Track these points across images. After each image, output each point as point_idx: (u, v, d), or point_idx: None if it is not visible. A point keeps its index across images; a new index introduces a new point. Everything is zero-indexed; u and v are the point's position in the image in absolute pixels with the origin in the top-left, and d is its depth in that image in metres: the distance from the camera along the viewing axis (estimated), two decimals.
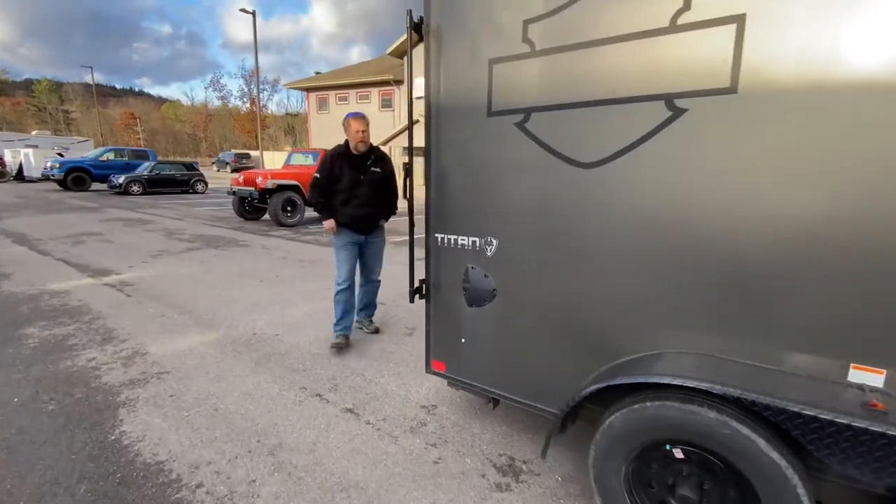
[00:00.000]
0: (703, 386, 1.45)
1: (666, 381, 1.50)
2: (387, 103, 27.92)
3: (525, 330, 2.07)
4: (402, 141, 24.57)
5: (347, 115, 3.18)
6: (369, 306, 3.75)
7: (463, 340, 2.30)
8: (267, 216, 10.42)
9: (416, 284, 2.44)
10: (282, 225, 9.81)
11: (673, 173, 1.61)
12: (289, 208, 9.98)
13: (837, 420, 1.24)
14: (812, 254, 1.39)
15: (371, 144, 3.25)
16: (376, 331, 3.76)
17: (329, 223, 3.26)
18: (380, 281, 3.69)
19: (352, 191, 3.23)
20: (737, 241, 1.51)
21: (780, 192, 1.42)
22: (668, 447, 1.59)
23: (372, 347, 3.44)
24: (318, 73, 34.18)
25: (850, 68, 1.29)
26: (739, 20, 1.42)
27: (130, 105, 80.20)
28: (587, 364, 1.91)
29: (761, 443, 1.34)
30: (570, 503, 1.92)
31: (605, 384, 1.64)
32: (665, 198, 1.63)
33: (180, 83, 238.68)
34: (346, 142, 3.23)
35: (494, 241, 2.10)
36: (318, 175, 3.25)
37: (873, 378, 1.37)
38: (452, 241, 2.24)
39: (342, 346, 3.35)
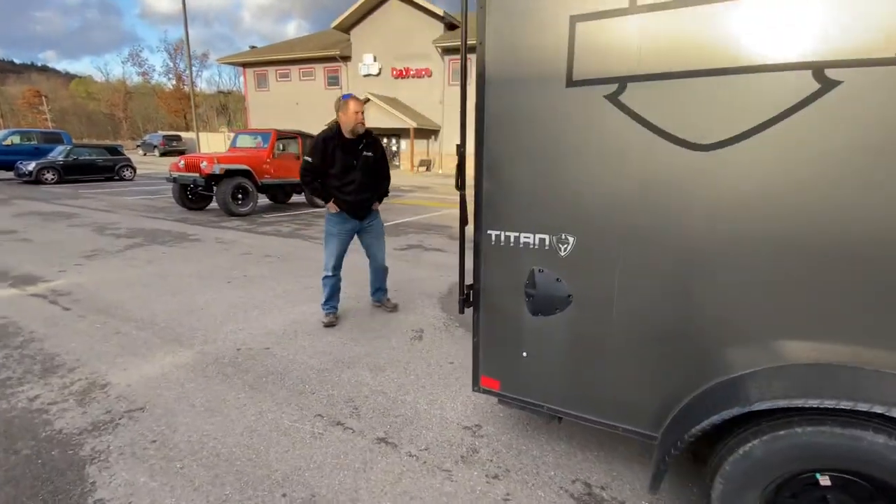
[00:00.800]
0: (877, 409, 1.22)
1: (836, 404, 1.26)
2: (333, 81, 26.50)
3: (610, 342, 1.77)
4: None
5: (344, 97, 3.05)
6: (380, 289, 3.81)
7: (524, 354, 1.97)
8: (214, 205, 9.42)
9: (465, 293, 2.06)
10: (233, 214, 8.89)
11: (816, 160, 1.35)
12: (240, 196, 9.07)
13: None
14: None
15: (368, 130, 3.21)
16: (396, 307, 3.83)
17: (332, 204, 3.24)
18: (387, 267, 3.74)
19: (345, 176, 3.19)
20: None
21: None
22: (817, 476, 1.37)
23: (382, 356, 3.03)
24: (253, 47, 31.60)
25: None
26: None
27: (34, 82, 70.31)
28: (691, 380, 1.65)
29: None
30: None
31: (747, 409, 1.38)
32: (804, 189, 1.37)
33: (93, 57, 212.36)
34: (337, 124, 3.12)
35: (571, 239, 1.76)
36: (309, 159, 3.18)
37: None
38: (512, 240, 1.88)
39: (334, 323, 3.48)
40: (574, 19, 1.58)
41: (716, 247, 1.52)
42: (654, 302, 1.67)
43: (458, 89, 22.08)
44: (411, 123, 21.59)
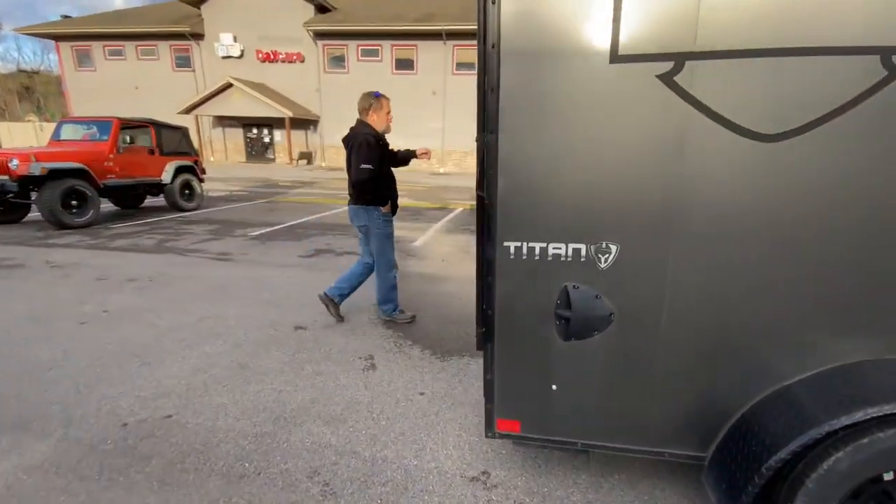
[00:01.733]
0: None
1: None
2: (183, 62, 22.91)
3: (656, 360, 1.54)
4: (212, 109, 20.54)
5: (375, 94, 2.97)
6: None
7: (554, 388, 1.65)
8: (35, 215, 7.25)
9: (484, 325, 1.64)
10: (65, 227, 6.91)
11: (881, 153, 1.26)
12: (74, 202, 7.09)
13: None
14: None
15: None
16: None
17: (387, 206, 3.17)
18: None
19: (389, 174, 3.18)
20: None
21: None
22: (886, 475, 1.31)
23: (335, 400, 2.45)
24: (66, 17, 25.56)
25: None
26: None
27: None
28: (742, 392, 1.51)
29: None
30: None
31: (842, 423, 1.25)
32: (865, 184, 1.28)
33: None
34: (370, 124, 3.02)
35: (613, 248, 1.48)
36: (371, 167, 2.95)
37: None
38: (538, 252, 1.53)
39: (414, 316, 3.47)
40: None
41: (782, 248, 1.37)
42: (707, 311, 1.47)
43: (336, 76, 21.12)
44: (287, 113, 19.66)
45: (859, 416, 1.26)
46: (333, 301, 3.38)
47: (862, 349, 1.40)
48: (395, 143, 3.20)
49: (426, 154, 3.33)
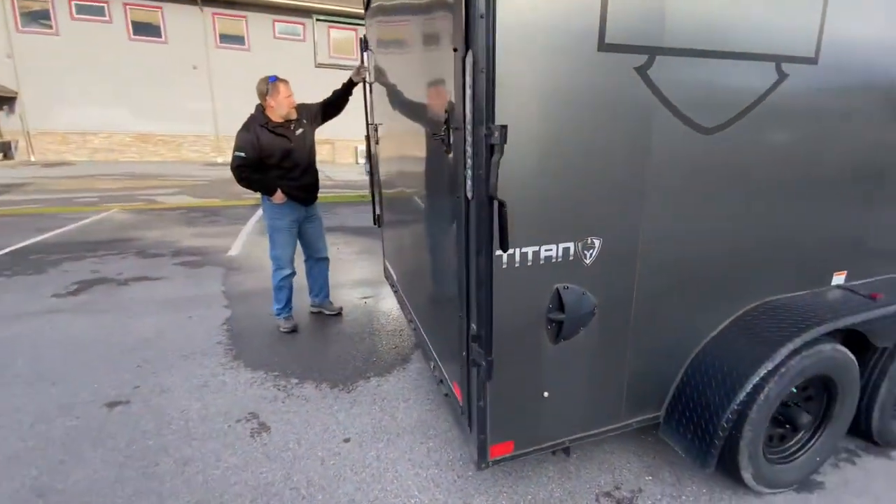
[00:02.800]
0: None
1: None
2: None
3: (629, 342, 1.63)
4: None
5: (271, 79, 2.80)
6: (324, 287, 3.46)
7: (546, 395, 1.57)
8: None
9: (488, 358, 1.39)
10: None
11: (778, 143, 1.61)
12: None
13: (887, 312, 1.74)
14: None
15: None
16: (340, 310, 3.51)
17: (279, 195, 2.92)
18: (328, 259, 3.42)
19: (286, 160, 2.91)
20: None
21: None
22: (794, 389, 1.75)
23: (232, 495, 1.78)
24: None
25: None
26: None
27: None
28: (685, 353, 1.75)
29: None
30: None
31: None
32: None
33: None
34: (261, 108, 2.87)
35: (596, 243, 1.47)
36: (243, 154, 2.79)
37: (840, 278, 1.97)
38: (530, 257, 1.40)
39: (296, 327, 3.22)
40: None
41: (714, 224, 1.61)
42: (666, 286, 1.62)
43: (38, 39, 15.26)
44: None
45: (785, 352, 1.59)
46: (325, 303, 3.45)
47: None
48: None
49: (358, 73, 2.93)
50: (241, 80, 13.29)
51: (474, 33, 1.15)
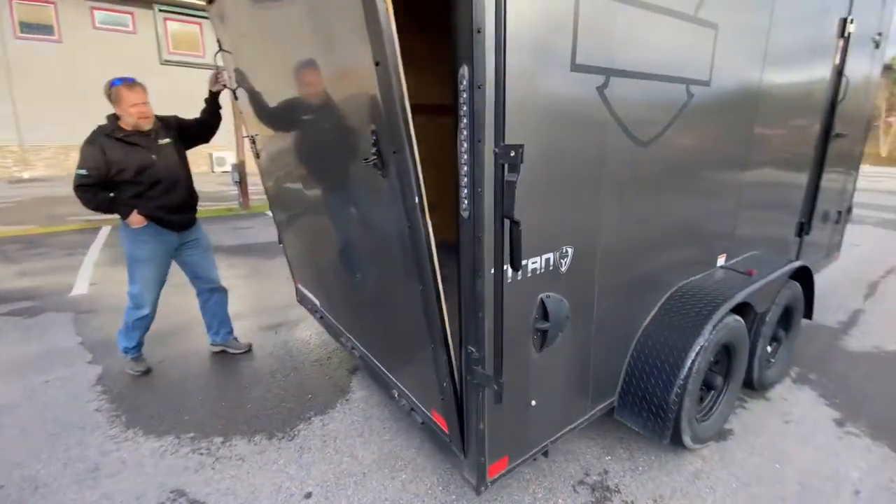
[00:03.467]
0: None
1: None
2: None
3: (593, 340, 1.76)
4: None
5: (113, 83, 2.32)
6: (225, 322, 2.99)
7: (533, 403, 1.60)
8: None
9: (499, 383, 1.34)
10: None
11: (689, 153, 1.89)
12: None
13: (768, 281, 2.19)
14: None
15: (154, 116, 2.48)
16: (250, 347, 3.08)
17: (136, 217, 2.42)
18: (226, 289, 2.97)
19: (143, 175, 2.43)
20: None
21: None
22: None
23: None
24: None
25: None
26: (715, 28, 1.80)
27: None
28: (629, 337, 1.95)
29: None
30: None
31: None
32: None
33: None
34: (115, 117, 2.41)
35: (570, 251, 1.55)
36: (84, 171, 2.32)
37: (722, 260, 2.41)
38: (520, 272, 1.40)
39: (150, 369, 2.79)
40: None
41: (651, 227, 1.83)
42: (616, 283, 1.78)
43: None
44: None
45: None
46: (229, 341, 3.01)
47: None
48: None
49: (216, 81, 2.55)
50: (53, 79, 10.83)
51: (471, 48, 1.11)
